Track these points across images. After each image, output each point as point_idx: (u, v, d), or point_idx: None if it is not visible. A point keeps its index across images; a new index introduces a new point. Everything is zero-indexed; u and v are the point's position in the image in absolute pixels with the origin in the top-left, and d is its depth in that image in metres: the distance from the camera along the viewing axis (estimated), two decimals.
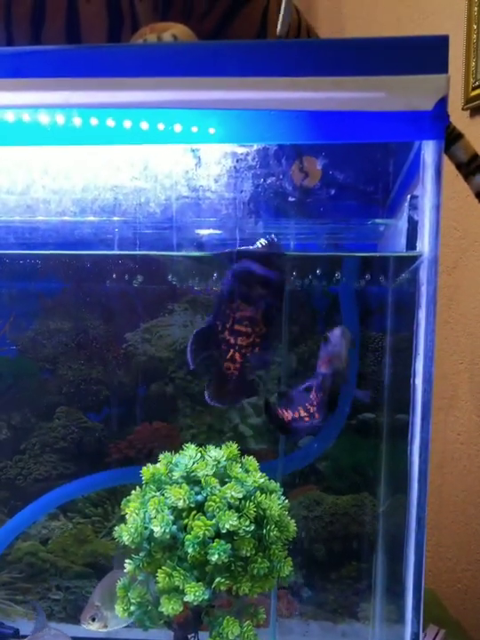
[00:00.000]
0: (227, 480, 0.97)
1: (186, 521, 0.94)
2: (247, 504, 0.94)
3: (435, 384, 1.67)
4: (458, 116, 1.57)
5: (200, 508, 0.95)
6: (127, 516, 0.98)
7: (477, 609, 1.56)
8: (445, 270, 1.67)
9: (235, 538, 0.93)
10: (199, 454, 1.00)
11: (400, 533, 1.01)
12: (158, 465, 1.01)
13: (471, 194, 1.13)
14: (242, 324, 1.04)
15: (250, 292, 1.03)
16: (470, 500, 1.59)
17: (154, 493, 0.98)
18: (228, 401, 1.15)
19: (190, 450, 1.00)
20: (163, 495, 0.96)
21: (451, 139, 1.04)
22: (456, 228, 1.64)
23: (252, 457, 1.03)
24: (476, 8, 1.50)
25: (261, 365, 1.11)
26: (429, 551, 1.72)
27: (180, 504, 0.93)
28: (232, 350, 1.06)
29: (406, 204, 0.98)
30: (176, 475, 0.97)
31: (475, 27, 1.52)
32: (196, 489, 0.96)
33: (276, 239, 1.04)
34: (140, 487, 1.01)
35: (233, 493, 0.94)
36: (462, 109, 1.57)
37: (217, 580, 0.92)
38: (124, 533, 0.97)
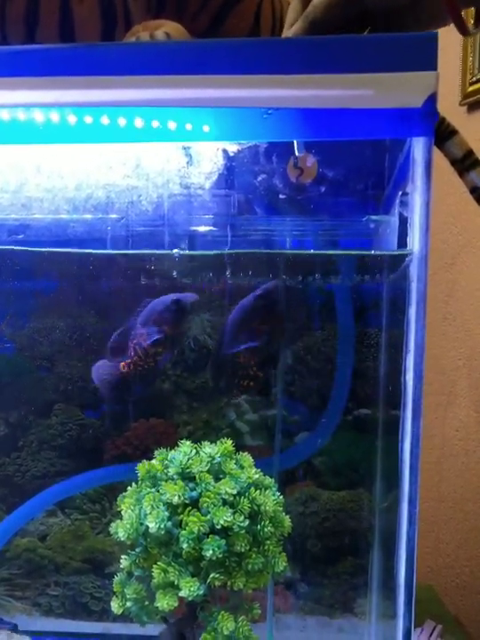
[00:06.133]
0: (221, 476, 0.98)
1: (181, 517, 0.94)
2: (241, 500, 0.95)
3: (433, 380, 1.68)
4: (455, 112, 1.57)
5: (195, 504, 0.95)
6: (123, 513, 0.98)
7: (475, 605, 1.56)
8: (443, 266, 1.67)
9: (229, 534, 0.93)
10: (194, 451, 1.00)
11: (396, 529, 1.02)
12: (154, 461, 1.02)
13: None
14: None
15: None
16: (469, 496, 1.60)
17: (149, 489, 0.98)
18: None
19: (185, 446, 1.01)
20: (158, 491, 0.97)
21: (445, 135, 1.04)
22: (454, 225, 1.64)
23: (246, 453, 1.03)
24: None
25: None
26: (428, 547, 1.73)
27: (175, 500, 0.94)
28: None
29: (397, 201, 0.99)
30: (171, 471, 0.98)
31: (472, 22, 1.52)
32: (191, 485, 0.96)
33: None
34: (137, 483, 1.02)
35: (227, 489, 0.94)
36: (459, 105, 1.57)
37: (211, 575, 0.92)
38: (120, 529, 0.97)
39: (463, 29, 0.89)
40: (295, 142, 1.05)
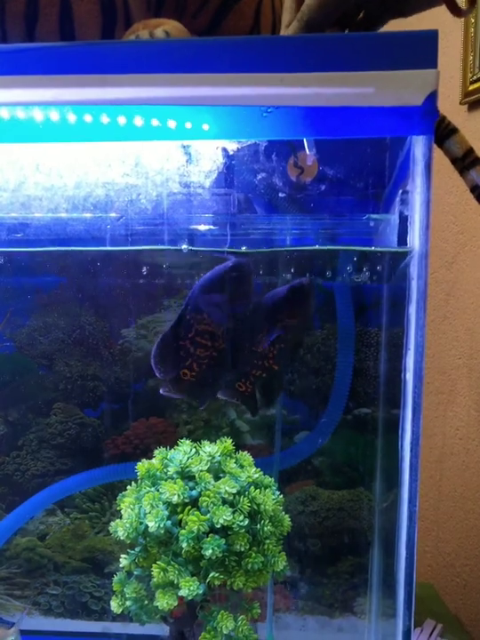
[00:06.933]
0: (221, 475, 0.98)
1: (180, 516, 0.94)
2: (241, 499, 0.94)
3: (433, 379, 1.68)
4: (455, 111, 1.57)
5: (194, 503, 0.95)
6: (122, 512, 0.98)
7: (476, 603, 1.56)
8: (444, 265, 1.67)
9: (229, 533, 0.93)
10: (194, 450, 1.00)
11: (396, 528, 1.02)
12: (153, 460, 1.02)
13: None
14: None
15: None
16: (469, 494, 1.59)
17: (149, 489, 0.98)
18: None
19: (185, 445, 1.01)
20: (157, 490, 0.97)
21: (445, 133, 1.03)
22: (454, 223, 1.64)
23: (246, 452, 1.03)
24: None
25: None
26: (428, 546, 1.73)
27: (175, 499, 0.94)
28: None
29: (397, 200, 0.99)
30: (171, 470, 0.98)
31: (473, 21, 1.52)
32: (191, 484, 0.96)
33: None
34: (136, 482, 1.01)
35: (227, 488, 0.94)
36: (460, 103, 1.57)
37: (211, 574, 0.92)
38: (120, 528, 0.97)
39: (455, 10, 0.88)
40: (305, 140, 1.05)
